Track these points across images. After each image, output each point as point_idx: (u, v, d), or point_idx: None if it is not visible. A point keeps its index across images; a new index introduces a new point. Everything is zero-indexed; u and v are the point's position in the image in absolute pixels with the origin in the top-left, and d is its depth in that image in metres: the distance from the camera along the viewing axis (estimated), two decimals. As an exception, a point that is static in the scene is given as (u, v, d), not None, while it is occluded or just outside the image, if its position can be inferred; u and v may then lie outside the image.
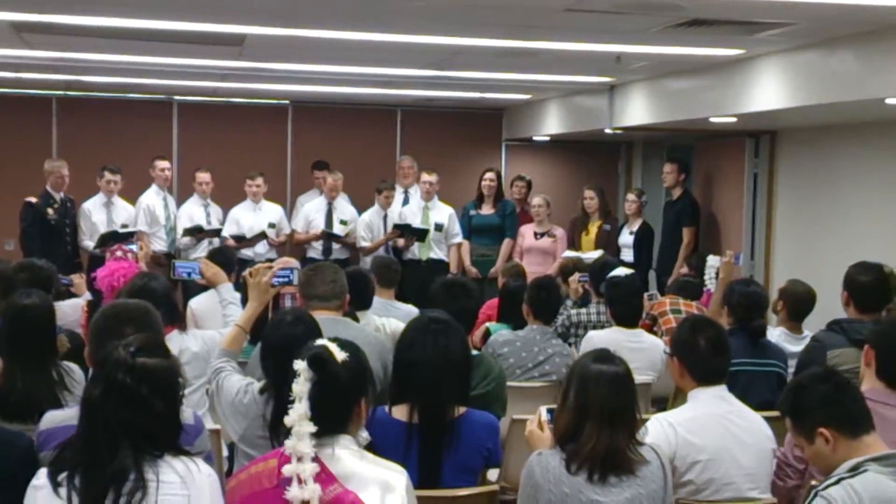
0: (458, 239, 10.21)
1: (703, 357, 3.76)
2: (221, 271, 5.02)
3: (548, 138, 11.76)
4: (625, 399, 3.14)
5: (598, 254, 8.92)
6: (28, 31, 7.13)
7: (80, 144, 11.17)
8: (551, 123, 11.12)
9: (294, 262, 5.94)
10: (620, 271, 6.09)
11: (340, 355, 2.77)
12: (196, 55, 8.18)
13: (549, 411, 3.37)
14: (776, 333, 5.62)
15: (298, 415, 2.68)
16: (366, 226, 10.15)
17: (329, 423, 2.72)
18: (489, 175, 10.36)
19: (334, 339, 2.85)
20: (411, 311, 6.70)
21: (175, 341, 4.58)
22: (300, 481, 2.62)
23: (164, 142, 11.52)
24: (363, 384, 2.83)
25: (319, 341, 2.83)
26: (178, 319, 4.76)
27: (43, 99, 11.40)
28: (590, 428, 3.08)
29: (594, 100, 9.96)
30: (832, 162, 8.47)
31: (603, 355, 3.23)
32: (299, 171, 11.65)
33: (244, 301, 5.17)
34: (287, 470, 2.64)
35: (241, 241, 9.90)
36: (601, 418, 3.08)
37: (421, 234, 9.94)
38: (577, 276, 7.19)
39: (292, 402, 2.71)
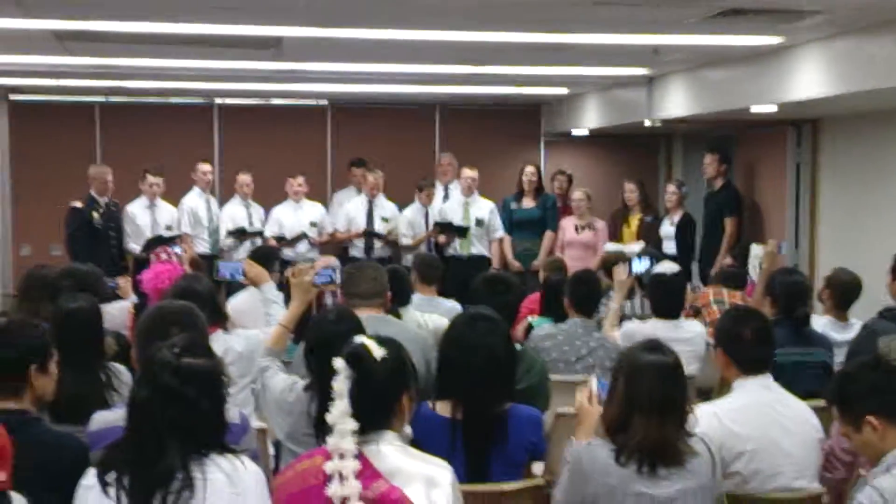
0: (500, 233, 10.20)
1: (747, 347, 3.74)
2: (264, 271, 5.05)
3: (587, 132, 11.71)
4: (675, 389, 3.12)
5: (639, 246, 8.87)
6: (69, 39, 7.22)
7: (122, 149, 11.28)
8: (590, 117, 11.08)
9: (335, 261, 5.97)
10: (665, 267, 6.00)
11: (379, 352, 2.78)
12: (234, 58, 8.24)
13: (602, 383, 3.37)
14: (822, 322, 5.57)
15: (339, 412, 2.69)
16: (407, 223, 10.17)
17: (371, 419, 2.73)
18: (529, 169, 10.34)
19: (374, 336, 2.86)
20: (454, 306, 6.70)
21: (219, 341, 4.60)
22: (342, 478, 2.63)
23: (205, 144, 11.61)
24: (404, 380, 2.83)
25: (358, 338, 2.84)
26: (222, 319, 4.77)
27: (85, 105, 11.53)
28: (639, 419, 3.07)
29: (632, 92, 9.91)
30: (876, 149, 8.37)
31: (652, 345, 3.21)
32: (339, 170, 11.69)
33: (287, 301, 5.22)
34: (329, 467, 2.65)
35: (283, 241, 9.96)
36: (651, 409, 3.06)
37: (462, 231, 9.96)
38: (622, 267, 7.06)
39: (334, 399, 2.72)
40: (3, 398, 3.27)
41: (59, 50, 7.71)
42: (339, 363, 2.73)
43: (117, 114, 11.58)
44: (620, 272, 6.22)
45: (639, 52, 7.69)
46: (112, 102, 11.55)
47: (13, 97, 11.19)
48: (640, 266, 6.55)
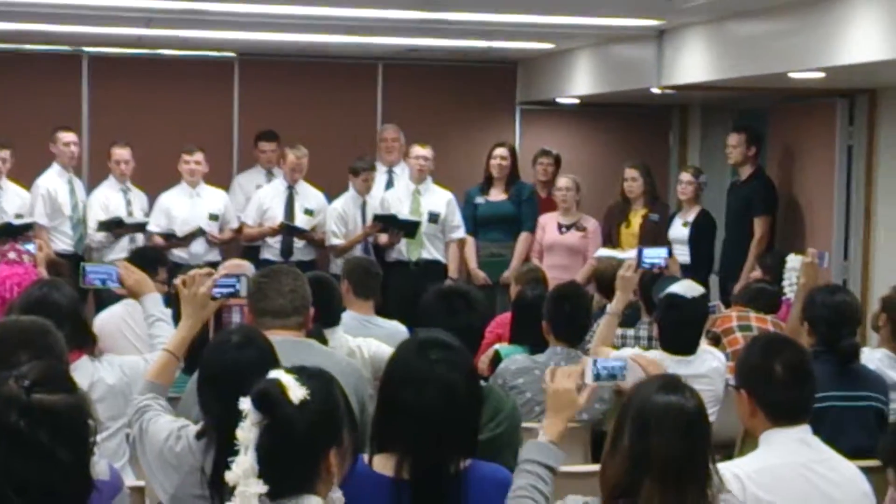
0: (460, 233, 10.23)
1: (779, 389, 3.78)
2: (147, 278, 5.03)
3: (576, 101, 11.74)
4: (697, 445, 3.14)
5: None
6: None
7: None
8: (581, 81, 11.12)
9: (245, 266, 5.96)
10: (685, 287, 5.98)
11: (299, 392, 2.77)
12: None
13: (605, 370, 3.47)
14: (876, 357, 5.63)
15: (243, 469, 2.69)
16: (338, 217, 10.17)
17: (287, 480, 2.73)
18: (500, 151, 10.38)
19: (296, 369, 2.86)
20: (397, 329, 6.74)
21: (85, 371, 4.58)
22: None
23: (69, 108, 11.51)
24: (334, 429, 2.83)
25: (273, 373, 2.84)
26: (88, 343, 4.75)
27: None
28: (650, 485, 3.07)
29: (638, 49, 9.97)
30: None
31: (669, 383, 3.23)
32: (249, 145, 11.65)
33: (176, 318, 5.18)
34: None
35: (173, 238, 9.91)
36: (665, 472, 3.07)
37: (410, 228, 9.96)
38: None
39: (238, 450, 2.72)
40: None
41: None
42: (245, 405, 2.73)
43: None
44: (626, 266, 6.16)
45: (646, -2, 7.74)
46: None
47: None
48: (654, 257, 6.46)
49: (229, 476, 2.69)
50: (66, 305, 4.67)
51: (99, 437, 2.87)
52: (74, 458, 2.67)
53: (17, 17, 9.59)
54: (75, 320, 4.69)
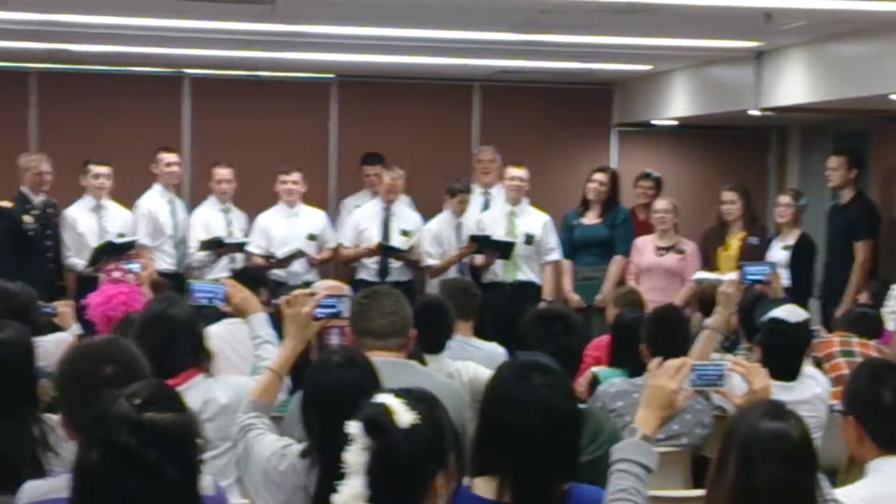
0: (556, 255, 10.21)
1: (887, 416, 3.72)
2: (253, 297, 5.05)
3: (674, 122, 11.69)
4: (804, 473, 3.09)
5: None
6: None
7: (64, 132, 11.36)
8: (678, 103, 11.07)
9: (343, 288, 5.99)
10: (788, 312, 5.89)
11: (407, 417, 2.78)
12: (215, 16, 8.29)
13: (703, 376, 3.41)
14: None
15: (352, 494, 2.70)
16: (433, 238, 10.19)
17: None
18: (598, 176, 10.34)
19: (403, 392, 2.86)
20: (495, 351, 6.73)
21: (199, 389, 4.62)
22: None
23: (171, 129, 11.69)
24: (441, 453, 2.83)
25: (381, 397, 2.84)
26: (203, 359, 4.78)
27: (17, 74, 11.62)
28: None
29: (736, 71, 9.90)
30: None
31: (774, 410, 3.19)
32: (346, 166, 11.74)
33: (279, 338, 5.22)
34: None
35: (271, 259, 9.98)
36: (773, 502, 3.04)
37: (505, 250, 9.95)
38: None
39: (342, 470, 2.73)
40: None
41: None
42: (354, 429, 2.73)
43: (59, 86, 11.67)
44: (728, 282, 6.07)
45: (746, 18, 7.68)
46: (53, 70, 11.64)
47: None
48: (756, 273, 6.35)
49: (337, 500, 2.70)
50: (184, 321, 4.71)
51: (208, 456, 2.90)
52: (183, 476, 2.70)
53: (120, 40, 9.75)
54: (192, 336, 4.73)
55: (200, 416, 4.40)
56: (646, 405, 3.55)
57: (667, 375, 3.56)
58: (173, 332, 4.64)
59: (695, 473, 5.58)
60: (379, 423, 2.76)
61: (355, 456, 2.72)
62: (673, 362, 3.60)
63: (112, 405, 2.73)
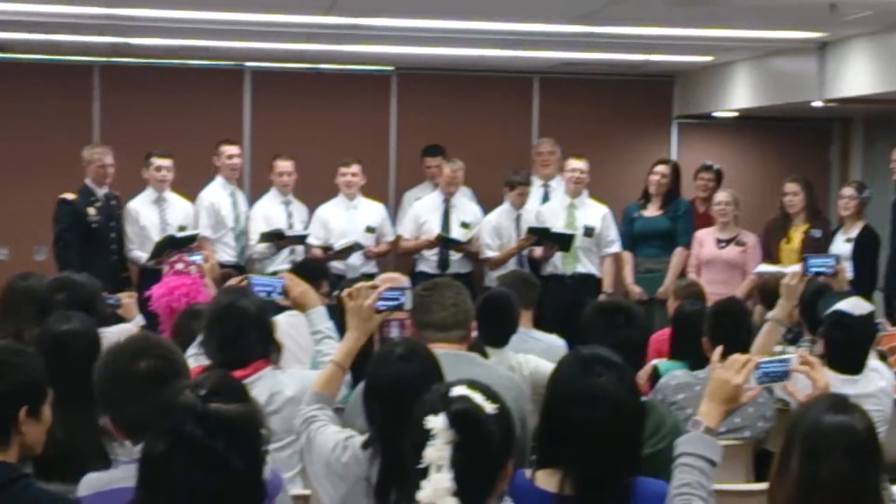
0: (616, 248, 10.19)
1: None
2: (312, 290, 5.07)
3: (735, 114, 11.61)
4: (869, 468, 3.07)
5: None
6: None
7: (127, 126, 11.45)
8: (739, 94, 11.00)
9: (403, 280, 6.01)
10: (852, 305, 5.83)
11: (490, 408, 2.80)
12: (276, 8, 8.33)
13: (768, 373, 3.44)
14: None
15: (437, 489, 2.71)
16: (492, 230, 10.20)
17: (478, 495, 2.76)
18: (661, 168, 10.30)
19: (471, 384, 2.87)
20: (554, 343, 6.73)
21: (267, 381, 4.65)
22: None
23: (232, 122, 11.77)
24: (514, 442, 2.86)
25: (458, 389, 2.85)
26: (273, 351, 4.80)
27: (81, 67, 11.73)
28: None
29: (799, 62, 9.82)
30: None
31: (839, 404, 3.17)
32: (406, 158, 11.76)
33: (340, 330, 5.24)
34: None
35: (331, 251, 10.00)
36: (837, 496, 3.02)
37: (564, 242, 9.94)
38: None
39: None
40: (-22, 447, 3.35)
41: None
42: (437, 423, 2.75)
43: (120, 79, 11.78)
44: (792, 274, 6.01)
45: (809, 9, 7.61)
46: (115, 64, 11.74)
47: (-10, 56, 11.43)
48: (820, 265, 6.31)
49: (422, 497, 2.71)
50: (253, 312, 4.74)
51: (273, 447, 2.92)
52: (248, 467, 2.72)
53: (181, 33, 9.83)
54: (262, 328, 4.76)
55: (267, 408, 4.47)
56: (709, 398, 3.54)
57: (732, 370, 3.54)
58: (243, 323, 4.67)
59: (757, 467, 5.55)
60: (471, 416, 2.78)
61: (438, 451, 2.73)
62: (739, 358, 3.58)
63: (178, 396, 2.76)
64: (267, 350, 4.75)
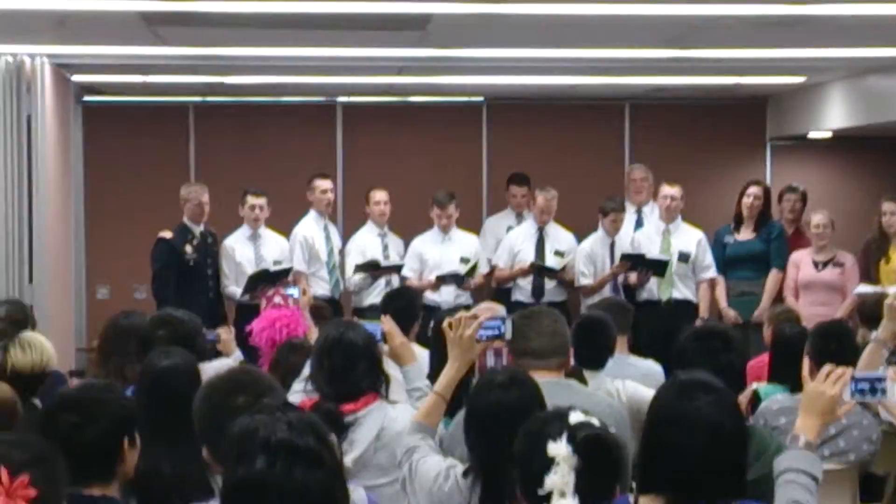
0: (711, 273, 10.12)
1: None
2: (409, 346, 5.08)
3: (829, 134, 11.49)
4: None
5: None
6: (162, 24, 7.49)
7: (221, 163, 11.61)
8: (834, 115, 10.88)
9: (501, 309, 5.99)
10: None
11: (610, 432, 2.81)
12: (368, 44, 8.40)
13: (862, 387, 3.43)
14: None
15: None
16: (586, 257, 10.18)
17: None
18: (753, 190, 10.22)
19: (584, 411, 2.88)
20: (652, 368, 6.71)
21: (376, 415, 4.66)
22: None
23: (324, 156, 11.85)
24: (625, 467, 2.87)
25: (577, 416, 2.86)
26: (381, 383, 4.79)
27: (177, 107, 11.91)
28: None
29: (894, 80, 9.70)
30: None
31: None
32: (498, 189, 11.76)
33: (436, 361, 5.26)
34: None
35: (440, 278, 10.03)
36: None
37: (659, 267, 9.90)
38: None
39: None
40: (89, 483, 3.41)
41: (148, 38, 8.00)
42: (561, 450, 2.76)
43: (215, 118, 11.93)
44: (894, 295, 5.92)
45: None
46: (209, 103, 11.91)
47: (88, 98, 11.59)
48: None
49: None
50: (361, 345, 4.74)
51: (379, 482, 2.93)
52: (336, 464, 2.75)
53: (275, 70, 9.94)
54: (370, 361, 4.75)
55: (376, 442, 4.51)
56: (805, 412, 3.53)
57: (830, 381, 3.52)
58: (351, 356, 4.68)
59: (863, 491, 5.47)
60: (599, 442, 2.79)
61: (563, 477, 2.74)
62: (834, 370, 3.56)
63: (251, 420, 2.77)
64: (376, 383, 4.74)
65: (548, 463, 2.76)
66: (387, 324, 5.04)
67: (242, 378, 3.68)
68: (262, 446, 2.69)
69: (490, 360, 5.70)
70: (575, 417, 2.86)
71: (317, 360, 4.76)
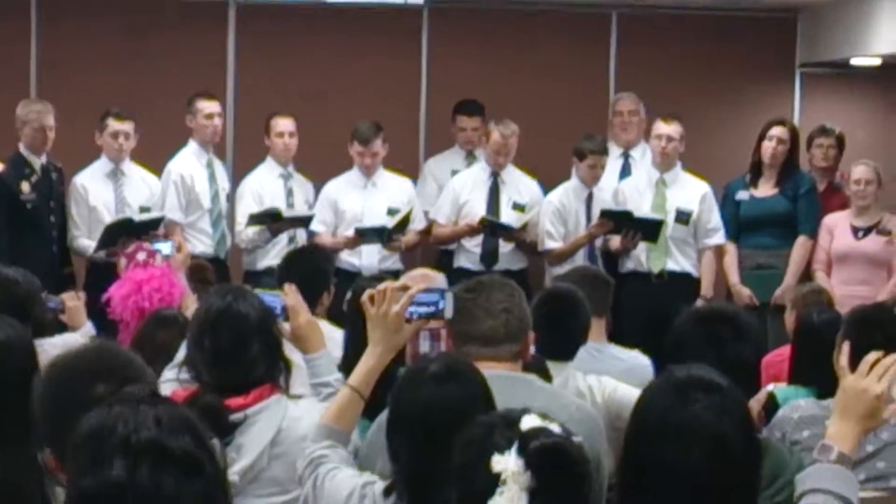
0: (719, 238, 10.20)
1: None
2: (318, 327, 5.07)
3: (877, 61, 11.57)
4: None
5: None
6: None
7: (70, 74, 11.45)
8: (884, 37, 10.96)
9: (440, 279, 5.98)
10: None
11: (576, 441, 2.85)
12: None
13: None
14: None
15: None
16: (555, 212, 10.21)
17: None
18: (777, 132, 10.26)
19: (541, 413, 2.89)
20: (637, 362, 6.76)
21: (273, 413, 4.62)
22: None
23: (211, 71, 11.77)
24: (592, 488, 2.89)
25: (529, 420, 2.86)
26: (280, 372, 4.75)
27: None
28: None
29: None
30: None
31: None
32: (439, 119, 11.73)
33: (352, 343, 5.26)
34: None
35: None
36: None
37: (650, 229, 9.94)
38: None
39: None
40: None
41: None
42: (510, 464, 2.76)
43: (66, 8, 11.66)
44: None
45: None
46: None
47: None
48: None
49: None
50: (255, 320, 4.71)
51: (274, 501, 2.93)
52: (219, 472, 2.77)
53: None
54: (267, 340, 4.71)
55: (273, 448, 4.50)
56: (841, 415, 3.55)
57: (872, 376, 3.53)
58: (242, 334, 4.63)
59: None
60: (558, 455, 2.80)
61: (511, 500, 2.75)
62: (880, 360, 3.57)
63: (107, 414, 2.75)
64: (273, 370, 4.69)
65: (493, 481, 2.75)
66: (290, 296, 5.01)
67: (102, 359, 3.59)
68: (121, 447, 2.68)
69: (424, 346, 5.71)
70: (528, 422, 2.86)
71: (195, 339, 4.73)
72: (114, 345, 3.77)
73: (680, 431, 3.47)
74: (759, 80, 12.25)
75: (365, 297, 4.42)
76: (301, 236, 10.15)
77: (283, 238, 10.11)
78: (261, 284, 8.17)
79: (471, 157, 10.85)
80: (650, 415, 3.59)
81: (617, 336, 7.26)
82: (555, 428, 2.85)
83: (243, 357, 4.64)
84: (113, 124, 10.02)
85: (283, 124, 10.33)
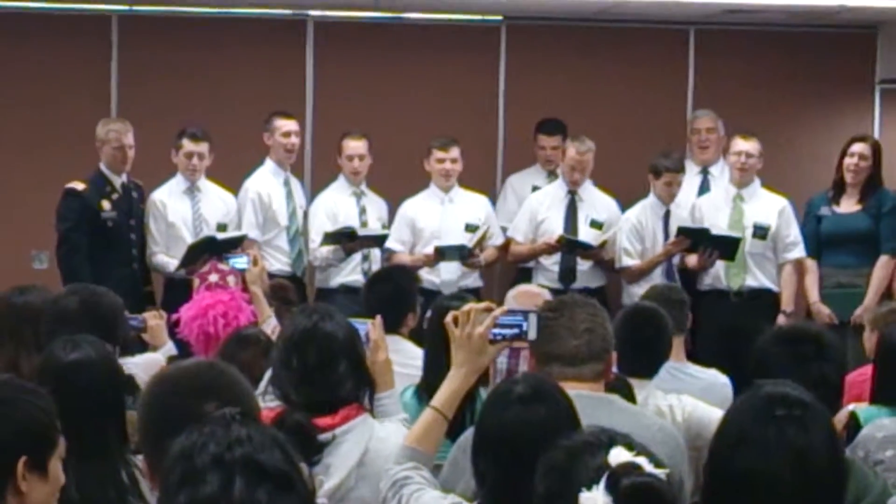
0: (798, 252, 10.13)
1: None
2: (390, 364, 5.05)
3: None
4: None
5: None
6: None
7: (150, 94, 11.48)
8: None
9: (542, 295, 5.94)
10: None
11: (662, 476, 2.81)
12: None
13: None
14: None
15: None
16: (632, 230, 10.20)
17: None
18: (858, 148, 10.19)
19: (627, 442, 2.87)
20: (716, 380, 6.72)
21: (360, 433, 4.64)
22: None
23: (289, 90, 11.80)
24: None
25: (618, 453, 2.84)
26: (366, 393, 4.78)
27: (97, 17, 11.78)
28: None
29: None
30: None
31: None
32: (517, 136, 11.72)
33: (432, 362, 5.26)
34: None
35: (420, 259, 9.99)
36: None
37: (728, 247, 9.90)
38: None
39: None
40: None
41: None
42: (594, 499, 2.74)
43: (147, 33, 11.80)
44: None
45: None
46: (139, 13, 11.83)
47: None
48: None
49: None
50: (342, 339, 4.73)
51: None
52: (308, 490, 2.77)
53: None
54: (354, 360, 4.74)
55: (359, 468, 4.51)
56: None
57: None
58: (330, 353, 4.66)
59: None
60: (649, 496, 2.78)
61: None
62: None
63: (197, 434, 2.77)
64: (359, 389, 4.73)
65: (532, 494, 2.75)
66: (376, 330, 5.06)
67: (212, 377, 3.58)
68: (215, 463, 2.70)
69: (502, 360, 5.69)
70: (617, 455, 2.83)
71: (283, 358, 4.74)
72: (219, 363, 3.76)
73: (764, 444, 3.46)
74: (837, 96, 12.17)
75: (449, 318, 4.41)
76: (375, 254, 10.16)
77: (357, 255, 10.13)
78: (334, 302, 8.18)
79: (552, 176, 10.82)
80: (733, 430, 3.58)
81: (694, 354, 7.23)
82: (645, 464, 2.83)
83: (330, 375, 4.66)
84: (188, 144, 10.07)
85: (353, 147, 10.33)
